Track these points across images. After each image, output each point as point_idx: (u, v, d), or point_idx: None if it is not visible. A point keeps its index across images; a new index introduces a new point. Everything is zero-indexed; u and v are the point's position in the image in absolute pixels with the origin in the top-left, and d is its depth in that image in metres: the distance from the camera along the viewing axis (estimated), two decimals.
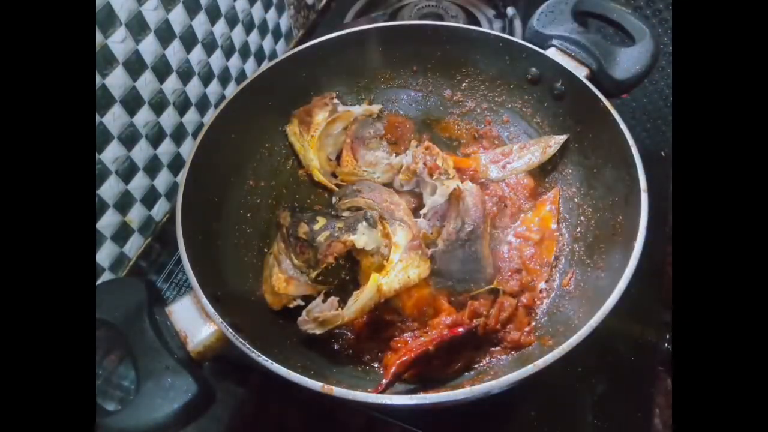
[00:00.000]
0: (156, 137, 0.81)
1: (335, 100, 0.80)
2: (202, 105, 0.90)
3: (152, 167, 0.82)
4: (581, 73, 0.71)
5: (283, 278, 0.64)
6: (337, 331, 0.65)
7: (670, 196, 0.84)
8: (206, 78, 0.90)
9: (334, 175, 0.80)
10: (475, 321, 0.62)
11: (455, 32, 0.80)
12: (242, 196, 0.76)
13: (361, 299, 0.58)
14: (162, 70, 0.79)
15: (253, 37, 1.00)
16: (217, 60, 0.91)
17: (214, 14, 0.87)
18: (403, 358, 0.57)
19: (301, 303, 0.63)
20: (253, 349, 0.49)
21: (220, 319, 0.51)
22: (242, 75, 1.00)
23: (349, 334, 0.66)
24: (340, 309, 0.58)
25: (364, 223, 0.63)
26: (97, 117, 0.70)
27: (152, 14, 0.74)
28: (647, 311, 0.74)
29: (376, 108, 0.82)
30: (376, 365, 0.64)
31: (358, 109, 0.81)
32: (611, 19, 0.75)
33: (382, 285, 0.59)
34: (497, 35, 0.77)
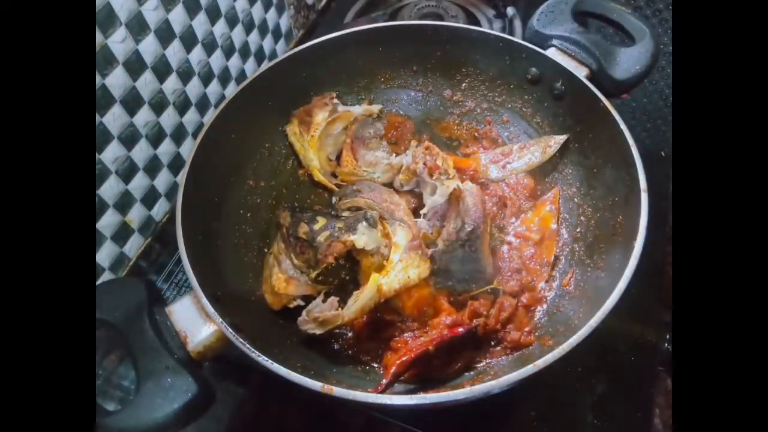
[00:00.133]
0: (156, 137, 0.81)
1: (335, 100, 0.80)
2: (202, 105, 0.90)
3: (152, 167, 0.82)
4: (581, 73, 0.71)
5: (283, 278, 0.64)
6: (337, 331, 0.65)
7: (670, 196, 0.84)
8: (206, 78, 0.90)
9: (334, 175, 0.80)
10: (475, 321, 0.62)
11: (455, 32, 0.80)
12: (242, 196, 0.76)
13: (361, 299, 0.58)
14: (162, 70, 0.79)
15: (253, 37, 1.00)
16: (217, 60, 0.91)
17: (214, 14, 0.87)
18: (403, 358, 0.57)
19: (301, 303, 0.63)
20: (253, 349, 0.49)
21: (220, 319, 0.51)
22: (242, 75, 1.00)
23: (349, 334, 0.66)
24: (340, 309, 0.58)
25: (364, 223, 0.63)
26: (97, 117, 0.70)
27: (152, 14, 0.74)
28: (647, 311, 0.74)
29: (376, 108, 0.82)
30: (376, 365, 0.64)
31: (358, 109, 0.81)
32: (611, 19, 0.75)
33: (382, 285, 0.59)
34: (497, 35, 0.77)
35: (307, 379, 0.47)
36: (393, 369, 0.57)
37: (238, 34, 0.95)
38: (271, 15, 1.04)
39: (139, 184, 0.80)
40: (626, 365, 0.70)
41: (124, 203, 0.78)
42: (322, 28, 1.18)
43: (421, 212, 0.68)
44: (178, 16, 0.79)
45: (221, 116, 0.70)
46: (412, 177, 0.71)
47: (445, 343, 0.59)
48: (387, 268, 0.62)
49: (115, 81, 0.71)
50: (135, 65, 0.73)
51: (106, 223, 0.75)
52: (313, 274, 0.63)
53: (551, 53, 0.74)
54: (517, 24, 1.05)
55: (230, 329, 0.51)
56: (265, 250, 0.73)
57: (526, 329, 0.64)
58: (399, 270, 0.61)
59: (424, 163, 0.68)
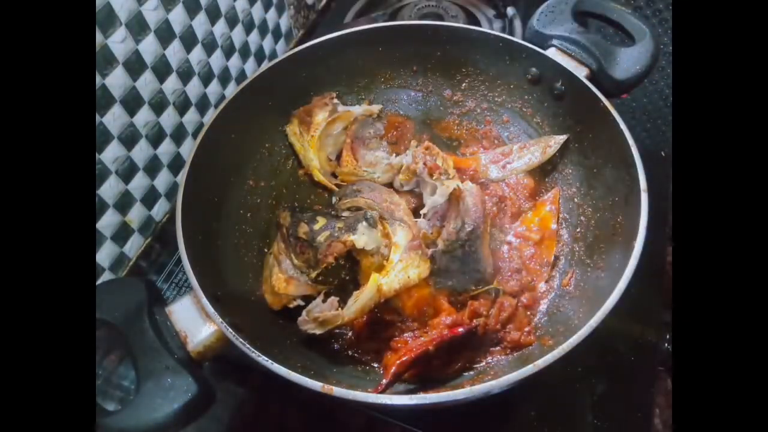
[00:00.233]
0: (156, 137, 0.81)
1: (335, 100, 0.80)
2: (202, 105, 0.90)
3: (152, 167, 0.82)
4: (581, 73, 0.71)
5: (283, 278, 0.64)
6: (337, 331, 0.65)
7: (670, 196, 0.84)
8: (206, 78, 0.90)
9: (334, 175, 0.80)
10: (475, 321, 0.62)
11: (455, 32, 0.80)
12: (242, 196, 0.76)
13: (361, 299, 0.58)
14: (162, 70, 0.79)
15: (253, 37, 1.00)
16: (217, 60, 0.91)
17: (214, 14, 0.87)
18: (403, 358, 0.57)
19: (301, 303, 0.63)
20: (253, 349, 0.49)
21: (220, 319, 0.51)
22: (242, 75, 1.00)
23: (349, 334, 0.66)
24: (340, 309, 0.58)
25: (364, 223, 0.63)
26: (97, 117, 0.70)
27: (152, 14, 0.74)
28: (647, 311, 0.74)
29: (376, 108, 0.82)
30: (376, 365, 0.64)
31: (358, 109, 0.81)
32: (611, 19, 0.75)
33: (382, 285, 0.59)
34: (497, 35, 0.77)
35: (307, 379, 0.47)
36: (393, 369, 0.57)
37: (238, 34, 0.95)
38: (271, 15, 1.04)
39: (139, 184, 0.80)
40: (626, 365, 0.70)
41: (124, 203, 0.78)
42: (322, 28, 1.18)
43: (421, 212, 0.68)
44: (178, 16, 0.79)
45: (221, 116, 0.70)
46: (412, 177, 0.71)
47: (445, 343, 0.59)
48: (387, 268, 0.62)
49: (115, 81, 0.71)
50: (135, 65, 0.73)
51: (106, 223, 0.75)
52: (313, 274, 0.63)
53: (551, 53, 0.74)
54: (517, 24, 1.05)
55: (230, 329, 0.51)
56: (265, 250, 0.73)
57: (526, 329, 0.64)
58: (399, 270, 0.61)
59: (424, 163, 0.68)
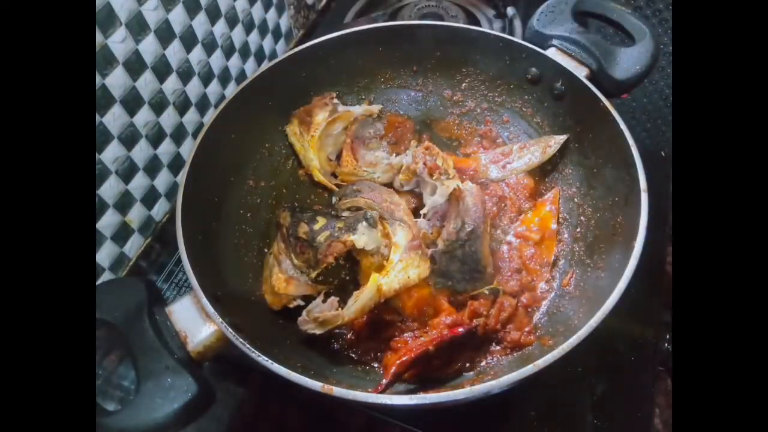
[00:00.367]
0: (156, 137, 0.81)
1: (335, 100, 0.80)
2: (202, 105, 0.90)
3: (152, 167, 0.82)
4: (581, 73, 0.71)
5: (283, 278, 0.64)
6: (337, 331, 0.65)
7: (670, 196, 0.84)
8: (206, 78, 0.90)
9: (334, 175, 0.80)
10: (475, 321, 0.62)
11: (455, 32, 0.80)
12: (242, 196, 0.76)
13: (361, 299, 0.58)
14: (162, 70, 0.79)
15: (253, 37, 1.00)
16: (217, 60, 0.91)
17: (214, 14, 0.87)
18: (403, 358, 0.57)
19: (301, 303, 0.63)
20: (253, 349, 0.49)
21: (220, 319, 0.51)
22: (242, 75, 1.00)
23: (349, 334, 0.66)
24: (340, 309, 0.58)
25: (364, 223, 0.63)
26: (97, 117, 0.70)
27: (152, 14, 0.74)
28: (647, 311, 0.74)
29: (376, 108, 0.82)
30: (376, 365, 0.64)
31: (358, 109, 0.81)
32: (611, 19, 0.75)
33: (382, 285, 0.59)
34: (497, 35, 0.77)
35: (307, 379, 0.47)
36: (393, 369, 0.57)
37: (238, 34, 0.95)
38: (271, 15, 1.04)
39: (139, 184, 0.80)
40: (626, 365, 0.70)
41: (124, 203, 0.78)
42: (322, 28, 1.18)
43: (421, 212, 0.68)
44: (178, 16, 0.79)
45: (221, 116, 0.70)
46: (412, 177, 0.71)
47: (445, 343, 0.59)
48: (387, 268, 0.62)
49: (115, 81, 0.71)
50: (135, 65, 0.73)
51: (106, 223, 0.75)
52: (313, 274, 0.63)
53: (551, 53, 0.74)
54: (517, 24, 1.05)
55: (230, 329, 0.51)
56: (265, 250, 0.73)
57: (526, 329, 0.64)
58: (399, 270, 0.61)
59: (424, 163, 0.68)
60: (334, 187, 0.78)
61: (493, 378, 0.48)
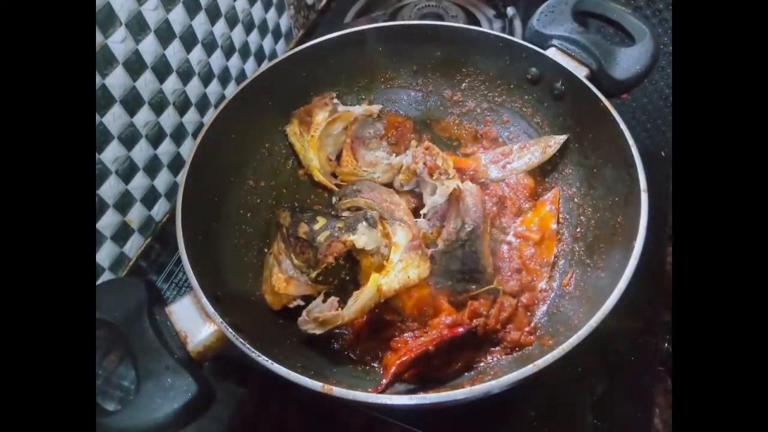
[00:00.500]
0: (156, 137, 0.81)
1: (335, 100, 0.80)
2: (202, 105, 0.90)
3: (152, 167, 0.82)
4: (581, 73, 0.71)
5: (283, 278, 0.64)
6: (337, 331, 0.65)
7: (670, 196, 0.84)
8: (206, 78, 0.90)
9: (334, 175, 0.80)
10: (475, 321, 0.62)
11: (455, 32, 0.80)
12: (242, 196, 0.76)
13: (361, 299, 0.58)
14: (162, 70, 0.79)
15: (253, 37, 1.00)
16: (217, 60, 0.91)
17: (214, 14, 0.87)
18: (403, 358, 0.57)
19: (301, 303, 0.63)
20: (253, 349, 0.49)
21: (220, 319, 0.51)
22: (242, 75, 1.00)
23: (349, 334, 0.66)
24: (340, 309, 0.58)
25: (364, 223, 0.63)
26: (97, 117, 0.70)
27: (152, 14, 0.74)
28: (647, 311, 0.74)
29: (376, 108, 0.82)
30: (376, 365, 0.64)
31: (358, 109, 0.81)
32: (611, 19, 0.75)
33: (382, 285, 0.59)
34: (497, 35, 0.77)
35: (307, 379, 0.47)
36: (393, 369, 0.57)
37: (238, 34, 0.95)
38: (271, 15, 1.04)
39: (139, 184, 0.80)
40: (626, 365, 0.70)
41: (124, 203, 0.78)
42: (322, 28, 1.18)
43: (421, 212, 0.68)
44: (178, 16, 0.79)
45: (221, 116, 0.70)
46: (412, 177, 0.71)
47: (445, 343, 0.59)
48: (387, 268, 0.62)
49: (115, 81, 0.71)
50: (135, 65, 0.73)
51: (106, 223, 0.75)
52: (313, 274, 0.63)
53: (551, 53, 0.74)
54: (517, 24, 1.05)
55: (230, 329, 0.51)
56: (265, 250, 0.73)
57: (526, 329, 0.64)
58: (399, 270, 0.61)
59: (424, 163, 0.68)
60: (334, 187, 0.78)
61: (493, 378, 0.48)
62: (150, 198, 0.83)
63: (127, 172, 0.77)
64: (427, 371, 0.61)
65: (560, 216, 0.74)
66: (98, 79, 0.68)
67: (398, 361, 0.57)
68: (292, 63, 0.77)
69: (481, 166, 0.78)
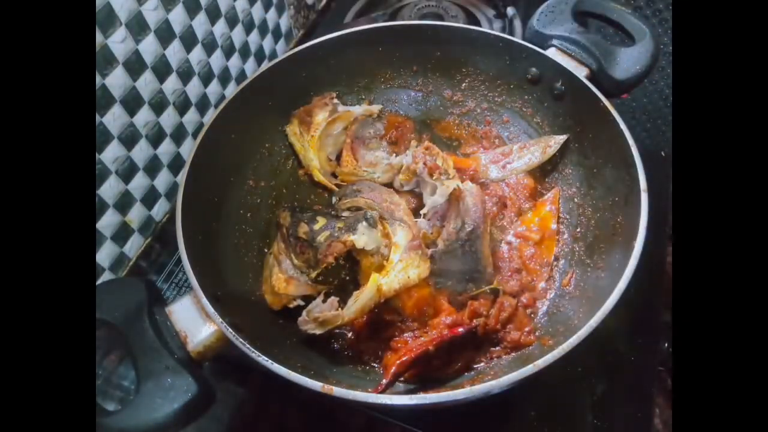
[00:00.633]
0: (156, 137, 0.81)
1: (335, 100, 0.80)
2: (202, 105, 0.90)
3: (152, 167, 0.82)
4: (581, 73, 0.71)
5: (283, 278, 0.64)
6: (337, 331, 0.65)
7: (670, 196, 0.84)
8: (206, 78, 0.90)
9: (334, 175, 0.80)
10: (475, 321, 0.62)
11: (455, 32, 0.80)
12: (242, 196, 0.76)
13: (361, 299, 0.58)
14: (162, 70, 0.79)
15: (253, 37, 1.00)
16: (217, 60, 0.91)
17: (214, 14, 0.87)
18: (403, 358, 0.57)
19: (301, 303, 0.63)
20: (253, 349, 0.49)
21: (220, 319, 0.51)
22: (242, 75, 1.00)
23: (349, 334, 0.66)
24: (340, 309, 0.58)
25: (364, 223, 0.63)
26: (97, 117, 0.70)
27: (152, 14, 0.74)
28: (647, 311, 0.74)
29: (376, 108, 0.82)
30: (376, 365, 0.64)
31: (358, 109, 0.81)
32: (611, 19, 0.75)
33: (382, 285, 0.59)
34: (497, 35, 0.77)
35: (307, 379, 0.47)
36: (393, 369, 0.57)
37: (238, 34, 0.95)
38: (271, 15, 1.04)
39: (139, 184, 0.80)
40: (626, 365, 0.70)
41: (124, 203, 0.78)
42: (322, 28, 1.18)
43: (421, 212, 0.68)
44: (178, 16, 0.79)
45: (221, 116, 0.70)
46: (412, 177, 0.71)
47: (445, 343, 0.59)
48: (387, 268, 0.62)
49: (115, 81, 0.71)
50: (135, 65, 0.73)
51: (106, 223, 0.75)
52: (313, 274, 0.63)
53: (551, 53, 0.74)
54: (517, 24, 1.05)
55: (230, 329, 0.51)
56: (265, 250, 0.73)
57: (526, 329, 0.64)
58: (399, 270, 0.61)
59: (424, 163, 0.68)
60: (334, 187, 0.78)
61: (493, 378, 0.48)
62: (150, 198, 0.83)
63: (127, 172, 0.77)
64: (427, 371, 0.61)
65: (560, 216, 0.74)
66: (98, 79, 0.68)
67: (398, 361, 0.57)
68: (292, 63, 0.77)
69: (481, 166, 0.78)
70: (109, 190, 0.74)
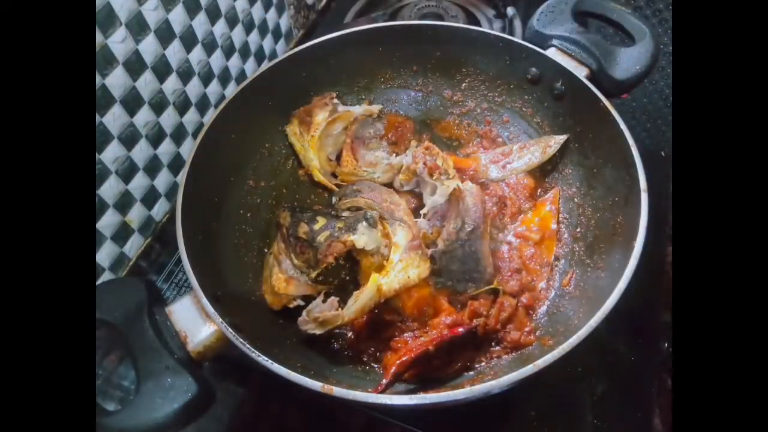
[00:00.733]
0: (156, 137, 0.81)
1: (335, 100, 0.80)
2: (202, 105, 0.90)
3: (152, 167, 0.82)
4: (581, 73, 0.71)
5: (283, 278, 0.64)
6: (337, 331, 0.65)
7: (670, 196, 0.84)
8: (206, 78, 0.90)
9: (334, 175, 0.80)
10: (475, 321, 0.62)
11: (455, 32, 0.80)
12: (242, 196, 0.76)
13: (361, 299, 0.58)
14: (162, 70, 0.79)
15: (253, 37, 1.00)
16: (217, 60, 0.91)
17: (214, 14, 0.87)
18: (403, 358, 0.57)
19: (301, 303, 0.63)
20: (253, 349, 0.49)
21: (220, 319, 0.51)
22: (242, 75, 1.00)
23: (349, 334, 0.66)
24: (340, 309, 0.58)
25: (364, 223, 0.63)
26: (97, 117, 0.70)
27: (152, 14, 0.74)
28: (647, 311, 0.74)
29: (376, 108, 0.82)
30: (376, 365, 0.64)
31: (358, 109, 0.81)
32: (611, 19, 0.75)
33: (382, 285, 0.59)
34: (497, 35, 0.77)
35: (307, 379, 0.47)
36: (393, 369, 0.57)
37: (238, 34, 0.95)
38: (271, 15, 1.04)
39: (139, 184, 0.80)
40: (626, 365, 0.70)
41: (124, 203, 0.78)
42: (322, 28, 1.18)
43: (421, 212, 0.68)
44: (178, 16, 0.79)
45: (221, 116, 0.70)
46: (412, 177, 0.71)
47: (445, 343, 0.59)
48: (387, 268, 0.62)
49: (115, 81, 0.71)
50: (135, 65, 0.73)
51: (106, 223, 0.75)
52: (313, 274, 0.63)
53: (551, 53, 0.74)
54: (517, 24, 1.05)
55: (230, 329, 0.51)
56: (265, 250, 0.73)
57: (526, 329, 0.64)
58: (399, 270, 0.61)
59: (424, 163, 0.68)
60: (334, 187, 0.78)
61: (493, 378, 0.48)
62: (150, 198, 0.83)
63: (127, 172, 0.77)
64: (427, 371, 0.61)
65: (560, 216, 0.74)
66: (98, 79, 0.68)
67: (398, 361, 0.57)
68: (292, 63, 0.77)
69: (481, 166, 0.78)
70: (109, 190, 0.74)
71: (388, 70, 0.86)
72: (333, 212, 0.69)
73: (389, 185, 0.75)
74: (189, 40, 0.83)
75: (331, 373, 0.62)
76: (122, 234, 0.79)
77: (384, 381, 0.56)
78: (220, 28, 0.89)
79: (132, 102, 0.74)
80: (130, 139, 0.76)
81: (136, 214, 0.81)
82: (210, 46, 0.88)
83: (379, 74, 0.86)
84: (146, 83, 0.76)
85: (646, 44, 0.71)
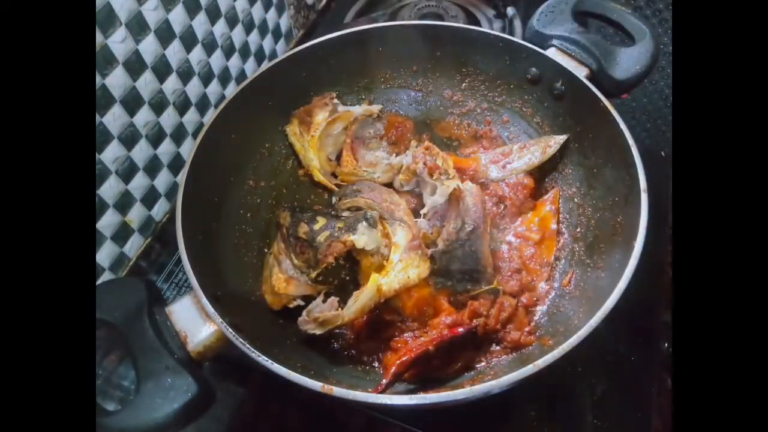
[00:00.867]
0: (156, 137, 0.81)
1: (335, 100, 0.80)
2: (202, 105, 0.90)
3: (152, 167, 0.82)
4: (581, 73, 0.71)
5: (283, 278, 0.64)
6: (337, 331, 0.65)
7: (670, 196, 0.84)
8: (206, 78, 0.90)
9: (334, 175, 0.80)
10: (475, 321, 0.62)
11: (455, 32, 0.80)
12: (242, 196, 0.76)
13: (361, 299, 0.58)
14: (162, 70, 0.79)
15: (253, 37, 1.00)
16: (217, 60, 0.91)
17: (214, 14, 0.87)
18: (403, 358, 0.57)
19: (301, 303, 0.63)
20: (253, 349, 0.49)
21: (220, 319, 0.51)
22: (242, 75, 1.00)
23: (349, 334, 0.66)
24: (340, 309, 0.58)
25: (364, 223, 0.63)
26: (97, 117, 0.70)
27: (152, 14, 0.74)
28: (647, 311, 0.74)
29: (376, 108, 0.82)
30: (376, 365, 0.64)
31: (358, 109, 0.81)
32: (611, 19, 0.75)
33: (382, 285, 0.59)
34: (497, 35, 0.77)
35: (307, 379, 0.47)
36: (393, 369, 0.57)
37: (238, 34, 0.95)
38: (271, 15, 1.04)
39: (139, 184, 0.80)
40: (626, 365, 0.70)
41: (124, 203, 0.78)
42: (322, 28, 1.18)
43: (421, 212, 0.68)
44: (178, 16, 0.79)
45: (221, 116, 0.70)
46: (412, 177, 0.71)
47: (445, 343, 0.59)
48: (387, 268, 0.62)
49: (115, 81, 0.71)
50: (135, 65, 0.73)
51: (106, 223, 0.75)
52: (313, 274, 0.63)
53: (551, 53, 0.74)
54: (517, 24, 1.05)
55: (230, 329, 0.51)
56: (265, 250, 0.73)
57: (526, 329, 0.64)
58: (399, 270, 0.61)
59: (424, 163, 0.68)
60: (334, 187, 0.78)
61: (493, 378, 0.48)
62: (150, 198, 0.83)
63: (127, 172, 0.77)
64: (427, 371, 0.61)
65: (560, 216, 0.74)
66: (98, 79, 0.68)
67: (398, 361, 0.57)
68: (292, 63, 0.77)
69: (481, 166, 0.78)
70: (109, 190, 0.74)
71: (388, 70, 0.86)
72: (333, 212, 0.69)
73: (389, 185, 0.75)
74: (189, 40, 0.83)
75: (331, 373, 0.62)
76: (122, 234, 0.79)
77: (384, 381, 0.56)
78: (220, 28, 0.89)
79: (132, 102, 0.74)
80: (130, 139, 0.76)
81: (136, 214, 0.81)
82: (210, 46, 0.88)
83: (379, 74, 0.86)
84: (146, 83, 0.76)
85: (646, 44, 0.71)
